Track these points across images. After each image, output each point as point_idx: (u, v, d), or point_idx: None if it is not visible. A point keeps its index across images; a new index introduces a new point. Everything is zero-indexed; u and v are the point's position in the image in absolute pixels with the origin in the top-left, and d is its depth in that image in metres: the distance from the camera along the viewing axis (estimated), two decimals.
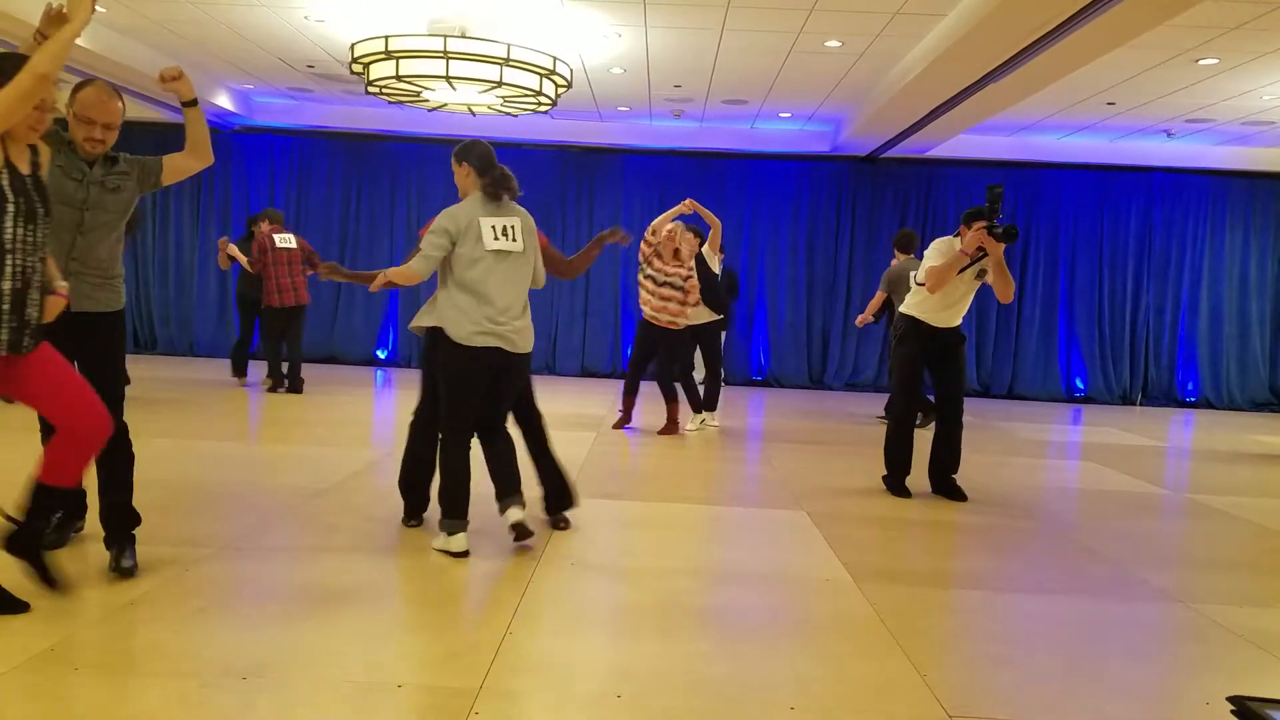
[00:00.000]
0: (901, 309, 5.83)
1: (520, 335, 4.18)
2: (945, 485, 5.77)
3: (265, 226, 9.45)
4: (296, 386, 9.45)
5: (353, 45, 8.34)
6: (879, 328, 12.90)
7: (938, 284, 5.40)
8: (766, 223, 13.07)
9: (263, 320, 9.70)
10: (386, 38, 8.02)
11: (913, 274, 6.48)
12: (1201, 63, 8.53)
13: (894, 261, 8.95)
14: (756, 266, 13.01)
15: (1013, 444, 8.53)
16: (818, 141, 12.69)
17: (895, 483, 5.82)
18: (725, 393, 9.96)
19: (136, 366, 11.17)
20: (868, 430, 8.87)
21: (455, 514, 4.10)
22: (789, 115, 11.87)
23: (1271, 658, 3.31)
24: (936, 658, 3.15)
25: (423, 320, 4.20)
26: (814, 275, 13.07)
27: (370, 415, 8.63)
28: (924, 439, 5.89)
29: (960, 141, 11.85)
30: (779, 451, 7.39)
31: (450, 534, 4.07)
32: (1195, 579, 4.38)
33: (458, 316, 4.05)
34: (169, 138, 12.81)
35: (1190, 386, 13.02)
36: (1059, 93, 9.60)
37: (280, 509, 4.70)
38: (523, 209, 4.31)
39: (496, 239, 4.09)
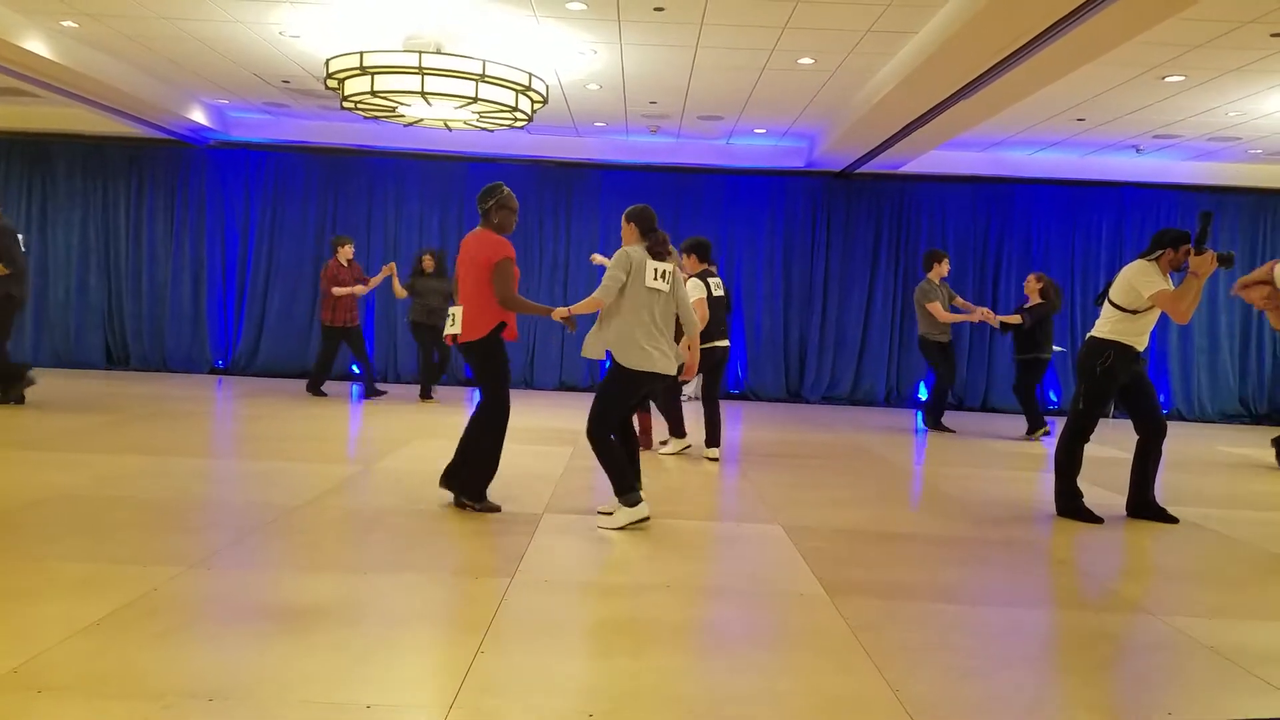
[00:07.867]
0: (1105, 335, 5.60)
1: (670, 360, 5.02)
2: (1153, 507, 5.81)
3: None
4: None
5: (328, 61, 8.32)
6: (853, 340, 13.04)
7: (1188, 311, 5.37)
8: (743, 237, 13.14)
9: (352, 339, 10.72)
10: (361, 53, 8.01)
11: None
12: (1168, 79, 8.66)
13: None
14: (733, 280, 13.04)
15: (986, 456, 8.58)
16: (793, 157, 12.78)
17: (1078, 506, 5.76)
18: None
19: (109, 382, 11.06)
20: (843, 443, 8.91)
21: (628, 488, 4.94)
22: (764, 131, 11.94)
23: (1239, 669, 3.34)
24: (909, 671, 3.16)
25: (595, 350, 5.04)
26: (790, 289, 13.15)
27: (347, 431, 8.58)
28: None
29: (933, 157, 11.97)
30: (755, 465, 7.40)
31: (632, 505, 4.92)
32: (1166, 591, 4.43)
33: (629, 345, 4.92)
34: (143, 153, 12.80)
35: (1161, 398, 13.11)
36: (1029, 109, 9.72)
37: (251, 526, 4.66)
38: (676, 256, 5.49)
39: (654, 280, 4.97)
